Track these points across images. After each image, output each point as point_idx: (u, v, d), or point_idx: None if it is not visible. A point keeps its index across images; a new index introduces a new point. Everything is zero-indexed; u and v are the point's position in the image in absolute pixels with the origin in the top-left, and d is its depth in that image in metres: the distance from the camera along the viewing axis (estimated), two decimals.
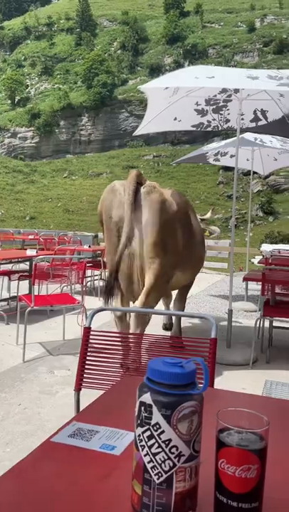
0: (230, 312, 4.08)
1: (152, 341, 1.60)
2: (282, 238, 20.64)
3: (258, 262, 7.18)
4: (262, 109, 4.40)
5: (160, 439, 0.63)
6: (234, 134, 4.78)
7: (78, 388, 1.56)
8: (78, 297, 4.34)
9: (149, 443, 0.64)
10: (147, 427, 0.64)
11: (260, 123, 4.49)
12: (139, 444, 0.66)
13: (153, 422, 0.64)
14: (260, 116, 4.43)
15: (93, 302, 5.82)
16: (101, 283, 7.37)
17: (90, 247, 7.64)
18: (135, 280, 2.97)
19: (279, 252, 7.77)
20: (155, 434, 0.64)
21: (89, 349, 1.61)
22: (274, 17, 62.80)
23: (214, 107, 4.38)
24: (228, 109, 4.41)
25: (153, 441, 0.64)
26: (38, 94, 63.71)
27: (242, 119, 4.35)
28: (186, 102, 4.26)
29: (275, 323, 4.40)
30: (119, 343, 1.61)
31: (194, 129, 4.49)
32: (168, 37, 63.90)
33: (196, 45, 61.57)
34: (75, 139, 57.20)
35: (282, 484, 0.77)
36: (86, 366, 1.58)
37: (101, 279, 7.40)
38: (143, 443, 0.65)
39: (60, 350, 3.98)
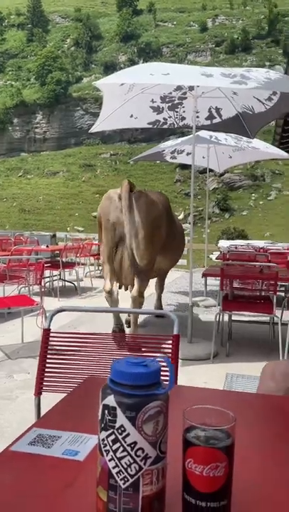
0: (190, 308, 4.12)
1: (113, 340, 1.57)
2: (238, 234, 21.19)
3: (216, 258, 7.31)
4: (216, 107, 4.47)
5: (125, 442, 0.61)
6: (190, 132, 4.82)
7: (38, 393, 1.50)
8: (37, 298, 4.24)
9: (114, 447, 0.61)
10: (111, 430, 0.62)
11: (214, 121, 4.56)
12: (103, 449, 0.63)
13: (117, 425, 0.61)
14: (215, 114, 4.50)
15: (53, 303, 5.70)
16: (60, 283, 7.24)
17: (47, 246, 7.49)
18: (125, 267, 3.75)
19: (236, 248, 7.96)
20: (120, 437, 0.61)
21: (49, 351, 1.56)
22: (225, 17, 64.25)
23: (170, 104, 4.40)
24: (183, 107, 4.44)
25: (118, 445, 0.61)
26: None
27: (197, 116, 4.40)
28: (142, 99, 4.25)
29: (233, 317, 4.49)
30: (81, 345, 1.58)
31: (150, 126, 4.49)
32: (121, 35, 63.82)
33: (150, 44, 61.90)
34: (29, 137, 55.93)
35: (248, 480, 0.76)
36: (46, 369, 1.53)
37: (60, 279, 7.27)
38: (107, 447, 0.62)
39: (19, 354, 3.86)
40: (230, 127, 4.69)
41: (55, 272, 7.09)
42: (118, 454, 0.61)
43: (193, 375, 3.47)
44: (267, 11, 60.51)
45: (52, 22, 71.52)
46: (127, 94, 4.03)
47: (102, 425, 0.63)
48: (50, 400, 1.35)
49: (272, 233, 28.98)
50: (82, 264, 7.84)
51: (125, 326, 4.17)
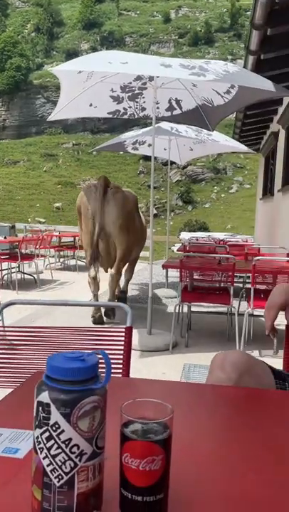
0: (150, 299, 4.13)
1: (66, 333, 1.54)
2: (199, 226, 21.48)
3: (177, 250, 7.37)
4: (176, 99, 4.47)
5: (59, 439, 0.59)
6: (151, 123, 4.80)
7: None
8: None
9: (48, 444, 0.59)
10: (46, 427, 0.60)
11: (175, 112, 4.56)
12: (37, 447, 0.61)
13: (52, 422, 0.59)
14: (175, 106, 4.50)
15: (10, 296, 5.57)
16: (19, 276, 7.08)
17: (5, 238, 7.28)
18: (111, 252, 4.44)
19: (197, 240, 8.06)
20: (54, 434, 0.59)
21: None
22: (188, 9, 64.31)
23: (130, 94, 4.35)
24: (143, 97, 4.41)
25: (52, 442, 0.59)
26: None
27: (157, 107, 4.38)
28: (102, 88, 4.19)
29: (193, 308, 4.55)
30: (32, 338, 1.54)
31: (110, 116, 4.44)
32: (84, 22, 62.57)
33: (113, 33, 61.08)
34: None
35: (189, 472, 0.77)
36: None
37: (19, 271, 7.11)
38: (42, 445, 0.60)
39: None
40: (190, 119, 4.70)
41: (14, 264, 6.92)
42: (52, 452, 0.59)
43: (152, 366, 3.49)
44: (229, 4, 61.08)
45: (11, 6, 69.04)
46: (86, 83, 3.95)
47: (37, 423, 0.61)
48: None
49: (233, 225, 29.59)
50: (42, 256, 7.69)
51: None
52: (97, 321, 4.41)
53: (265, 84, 3.38)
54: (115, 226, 4.29)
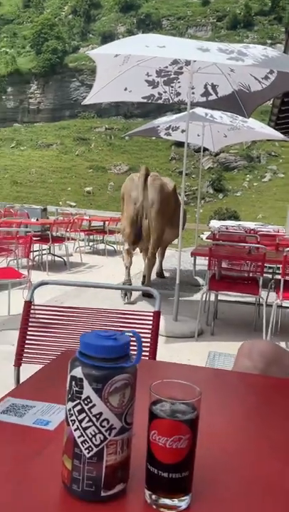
0: (177, 286, 4.14)
1: (96, 315, 1.58)
2: (230, 215, 21.20)
3: (206, 238, 7.32)
4: (212, 84, 4.38)
5: (91, 412, 0.61)
6: (186, 109, 4.74)
7: (18, 364, 1.51)
8: (26, 272, 4.22)
9: (80, 417, 0.62)
10: (78, 401, 0.62)
11: (210, 98, 4.48)
12: (69, 419, 0.64)
13: (84, 396, 0.62)
14: (211, 91, 4.42)
15: (41, 277, 5.69)
16: (50, 258, 7.22)
17: (37, 220, 7.42)
18: (149, 234, 4.82)
19: (227, 228, 7.96)
20: (86, 408, 0.62)
21: (30, 324, 1.56)
22: None
23: (165, 78, 4.30)
24: (179, 82, 4.35)
25: (83, 415, 0.62)
26: None
27: (192, 92, 4.32)
28: (137, 72, 4.15)
29: (220, 297, 4.53)
30: (62, 318, 1.58)
31: (145, 100, 4.40)
32: (121, 4, 61.82)
33: (150, 15, 60.12)
34: (23, 107, 54.64)
35: (215, 454, 0.78)
36: (27, 341, 1.54)
37: (50, 253, 7.24)
38: (73, 417, 0.63)
39: (5, 326, 3.87)
40: (225, 105, 4.61)
41: (45, 246, 7.05)
42: (84, 424, 0.62)
43: (177, 352, 3.52)
44: None
45: None
46: (122, 66, 3.93)
47: (69, 396, 0.64)
48: (31, 371, 1.36)
49: (264, 215, 29.03)
50: (72, 239, 7.80)
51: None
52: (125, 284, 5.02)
53: None
54: (153, 210, 4.76)
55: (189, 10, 60.50)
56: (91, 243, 9.60)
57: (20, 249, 4.55)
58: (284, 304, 3.93)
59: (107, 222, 9.23)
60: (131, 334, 0.67)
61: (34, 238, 6.73)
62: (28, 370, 1.49)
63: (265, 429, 0.88)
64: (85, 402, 0.62)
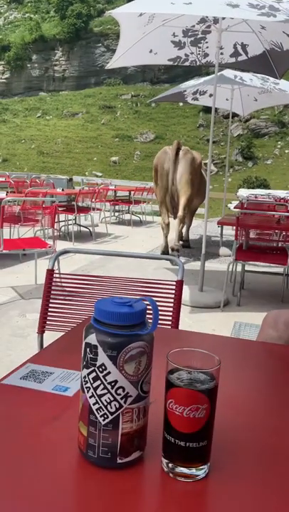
0: (203, 256, 4.09)
1: (118, 284, 1.56)
2: (259, 184, 20.63)
3: (234, 208, 7.16)
4: (242, 43, 4.16)
5: (106, 380, 0.60)
6: (214, 72, 4.54)
7: (42, 331, 1.53)
8: (52, 242, 4.26)
9: (95, 384, 0.61)
10: (93, 368, 0.61)
11: (240, 58, 4.26)
12: (84, 386, 0.62)
13: (98, 363, 0.60)
14: (240, 51, 4.20)
15: (67, 246, 5.74)
16: (75, 228, 7.26)
17: (63, 190, 7.43)
18: (176, 201, 5.47)
19: (255, 197, 7.76)
20: (101, 375, 0.60)
21: (53, 292, 1.57)
22: None
23: (192, 39, 4.11)
24: (206, 42, 4.15)
25: (98, 382, 0.60)
26: (7, 24, 58.94)
27: (221, 53, 4.11)
28: (163, 33, 3.98)
29: (247, 267, 4.46)
30: (85, 286, 1.57)
31: (171, 63, 4.23)
32: None
33: None
34: (48, 75, 53.98)
35: (234, 423, 0.76)
36: (50, 309, 1.55)
37: (75, 223, 7.28)
38: (88, 385, 0.62)
39: (32, 294, 3.95)
40: (256, 66, 4.38)
41: (70, 217, 7.08)
42: (99, 392, 0.61)
43: (202, 323, 3.51)
44: None
45: None
46: (147, 27, 3.76)
47: (84, 363, 0.63)
48: (56, 338, 1.37)
49: None
50: (98, 210, 7.80)
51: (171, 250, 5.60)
52: (163, 251, 5.75)
53: None
54: (183, 180, 5.35)
55: None
56: (117, 213, 9.58)
57: (46, 219, 4.57)
58: None
59: (132, 192, 9.15)
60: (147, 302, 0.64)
61: (60, 208, 6.77)
62: (53, 338, 1.50)
63: (284, 396, 0.85)
64: (100, 369, 0.60)
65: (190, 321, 3.48)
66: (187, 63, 4.25)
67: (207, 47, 4.18)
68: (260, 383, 0.93)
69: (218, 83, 4.75)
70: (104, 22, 53.18)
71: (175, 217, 5.65)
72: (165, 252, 5.74)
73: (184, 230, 6.42)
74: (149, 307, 0.64)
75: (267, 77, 5.07)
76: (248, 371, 0.98)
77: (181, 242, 6.03)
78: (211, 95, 6.44)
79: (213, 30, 3.90)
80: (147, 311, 0.64)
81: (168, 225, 5.70)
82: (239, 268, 4.39)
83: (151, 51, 4.09)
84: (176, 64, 4.18)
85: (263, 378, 0.95)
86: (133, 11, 3.42)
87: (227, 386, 0.86)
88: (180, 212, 5.51)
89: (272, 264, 4.26)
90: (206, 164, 6.18)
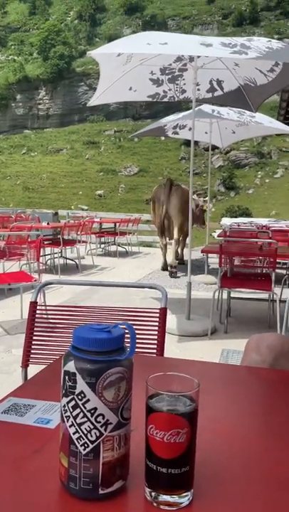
0: (189, 285, 4.11)
1: (102, 314, 1.56)
2: (242, 212, 21.02)
3: (217, 236, 7.26)
4: (218, 79, 4.35)
5: (85, 408, 0.60)
6: (192, 106, 4.71)
7: (25, 365, 1.51)
8: (37, 275, 4.24)
9: (74, 413, 0.60)
10: (72, 396, 0.61)
11: (216, 93, 4.44)
12: (64, 415, 0.62)
13: (77, 390, 0.60)
14: (216, 87, 4.38)
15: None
16: (61, 261, 7.25)
17: (48, 224, 7.45)
18: (172, 226, 6.54)
19: (238, 226, 7.89)
20: (80, 403, 0.60)
21: (36, 324, 1.55)
22: None
23: (170, 76, 4.28)
24: (183, 79, 4.32)
25: (78, 410, 0.60)
26: None
27: (198, 89, 4.29)
28: (141, 71, 4.14)
29: (233, 294, 4.48)
30: (68, 317, 1.57)
31: (150, 99, 4.39)
32: (126, 7, 62.06)
33: (155, 16, 60.19)
34: (32, 114, 55.19)
35: (218, 447, 0.76)
36: (34, 342, 1.53)
37: (61, 256, 7.27)
38: (68, 413, 0.61)
39: (18, 329, 3.89)
40: (232, 100, 4.57)
41: (56, 250, 7.08)
42: (78, 420, 0.60)
43: (190, 351, 3.48)
44: None
45: None
46: (125, 66, 3.91)
47: (63, 391, 0.62)
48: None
49: (278, 212, 28.70)
50: (84, 242, 7.82)
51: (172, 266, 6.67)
52: (163, 268, 7.00)
53: None
54: (175, 210, 6.39)
55: (194, 9, 60.42)
56: (103, 245, 9.62)
57: (31, 252, 4.57)
58: None
59: (118, 224, 9.23)
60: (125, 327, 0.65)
61: (46, 242, 6.77)
62: (38, 371, 1.48)
63: (272, 423, 0.85)
64: (79, 397, 0.60)
65: (177, 350, 3.46)
66: (166, 99, 4.41)
67: (184, 83, 4.36)
68: (245, 407, 0.93)
69: (196, 117, 4.92)
70: (86, 62, 55.07)
71: (170, 239, 6.79)
72: (165, 268, 6.98)
73: (179, 250, 7.35)
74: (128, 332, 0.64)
75: (243, 110, 5.27)
76: (231, 395, 0.98)
77: (176, 261, 6.85)
78: (190, 129, 6.65)
79: (189, 67, 4.07)
80: (125, 336, 0.64)
81: (166, 245, 6.90)
82: (225, 295, 4.41)
83: (130, 88, 4.24)
84: (155, 100, 4.34)
85: (247, 402, 0.95)
86: (111, 51, 3.57)
87: (210, 410, 0.86)
88: (175, 236, 6.63)
89: (257, 291, 4.29)
90: (196, 194, 7.58)
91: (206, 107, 5.85)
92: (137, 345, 1.44)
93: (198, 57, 3.84)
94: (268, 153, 40.11)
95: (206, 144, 8.39)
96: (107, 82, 4.10)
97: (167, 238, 6.84)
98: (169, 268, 6.80)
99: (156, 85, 4.27)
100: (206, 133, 6.74)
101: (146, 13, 61.01)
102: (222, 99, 4.49)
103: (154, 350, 1.43)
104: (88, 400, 0.59)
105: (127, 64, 3.87)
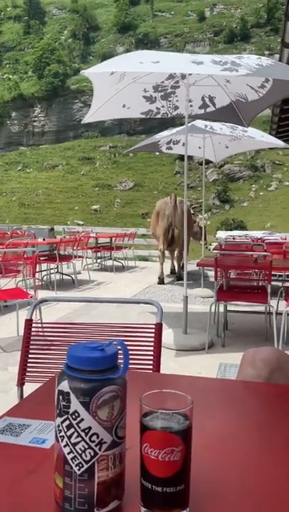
0: (185, 298, 4.11)
1: (98, 330, 1.56)
2: (237, 225, 21.13)
3: (213, 249, 7.29)
4: (210, 96, 4.42)
5: (79, 427, 0.60)
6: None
7: (21, 383, 1.50)
8: (33, 292, 4.23)
9: (68, 433, 0.60)
10: (66, 416, 0.61)
11: (208, 109, 4.51)
12: (58, 435, 0.62)
13: (71, 410, 0.60)
14: (209, 103, 4.45)
15: (48, 295, 5.69)
16: (58, 276, 7.24)
17: (44, 240, 7.46)
18: (177, 238, 6.95)
19: (234, 238, 7.93)
20: (74, 422, 0.60)
21: (32, 342, 1.55)
22: (223, 6, 63.57)
23: (162, 93, 4.35)
24: (176, 96, 4.39)
25: (72, 430, 0.60)
26: None
27: (190, 105, 4.35)
28: (134, 89, 4.20)
29: (230, 307, 4.48)
30: (64, 334, 1.57)
31: (144, 116, 4.45)
32: (119, 25, 63.27)
33: (148, 34, 61.36)
34: (28, 131, 55.69)
35: (214, 465, 0.75)
36: (29, 360, 1.52)
37: (58, 272, 7.26)
38: (62, 433, 0.61)
39: (15, 347, 3.86)
40: (224, 116, 4.64)
41: (52, 265, 7.07)
42: (73, 440, 0.60)
43: (188, 366, 3.47)
44: None
45: (48, 14, 70.90)
46: (119, 84, 3.98)
47: (58, 411, 0.62)
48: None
49: (273, 224, 28.87)
50: (80, 257, 7.82)
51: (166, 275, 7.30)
52: (160, 282, 7.21)
53: None
54: (180, 223, 6.63)
55: (186, 27, 61.66)
56: (99, 260, 9.62)
57: (27, 269, 4.56)
58: None
59: (113, 239, 9.25)
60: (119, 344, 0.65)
61: (42, 258, 6.77)
62: (33, 389, 1.47)
63: (268, 438, 0.85)
64: (73, 416, 0.60)
65: (175, 365, 3.44)
66: (159, 116, 4.47)
67: (177, 100, 4.43)
68: (240, 422, 0.93)
69: (189, 133, 4.99)
70: (81, 80, 55.82)
71: (171, 248, 7.36)
72: (161, 278, 7.22)
73: (176, 264, 7.89)
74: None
75: (235, 125, 5.35)
76: (226, 411, 0.98)
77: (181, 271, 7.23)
78: (184, 144, 6.72)
79: (182, 85, 4.15)
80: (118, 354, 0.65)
81: (163, 253, 7.26)
82: (222, 309, 4.41)
83: (124, 106, 4.30)
84: (148, 117, 4.40)
85: (243, 417, 0.95)
86: (104, 70, 3.64)
87: (206, 427, 0.86)
88: (177, 251, 7.35)
89: (253, 303, 4.30)
90: (193, 209, 8.22)
91: (199, 123, 5.93)
92: (133, 361, 1.44)
93: (190, 74, 3.91)
94: (261, 167, 40.54)
95: (200, 159, 8.48)
96: (101, 100, 4.16)
97: (167, 251, 7.29)
98: (170, 273, 7.55)
99: (149, 102, 4.34)
100: (199, 148, 6.82)
101: (139, 32, 62.20)
102: (214, 115, 4.56)
103: (151, 366, 1.43)
104: (82, 420, 0.60)
105: (120, 82, 3.93)
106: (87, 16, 65.20)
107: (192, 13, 63.56)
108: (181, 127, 6.51)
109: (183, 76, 4.02)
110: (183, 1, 67.01)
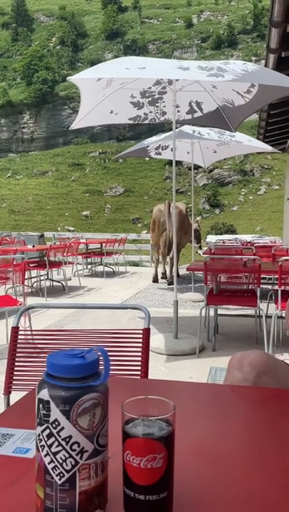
0: (175, 303, 4.11)
1: (86, 336, 1.55)
2: (227, 229, 21.25)
3: (203, 253, 7.31)
4: (197, 101, 4.45)
5: (60, 436, 0.59)
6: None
7: (8, 392, 1.48)
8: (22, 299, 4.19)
9: (49, 442, 0.59)
10: (46, 425, 0.60)
11: (195, 115, 4.54)
12: (39, 445, 0.61)
13: (51, 419, 0.59)
14: (196, 108, 4.48)
15: (38, 302, 5.65)
16: (48, 283, 7.19)
17: (33, 246, 7.42)
18: (170, 242, 6.80)
19: (224, 242, 7.97)
20: (54, 431, 0.59)
21: (18, 349, 1.53)
22: (210, 13, 64.29)
23: (150, 99, 4.37)
24: (163, 101, 4.41)
25: (53, 439, 0.59)
26: None
27: (178, 111, 4.37)
28: (122, 95, 4.22)
29: (220, 311, 4.49)
30: (50, 341, 1.55)
31: (131, 121, 4.45)
32: (107, 32, 63.61)
33: (136, 41, 61.76)
34: (17, 137, 55.56)
35: (199, 471, 0.75)
36: (16, 368, 1.51)
37: (48, 278, 7.22)
38: (43, 442, 0.60)
39: (3, 355, 3.82)
40: (211, 121, 4.67)
41: (42, 272, 7.03)
42: (53, 449, 0.59)
43: (179, 370, 3.46)
44: (252, 5, 60.60)
45: (36, 21, 71.03)
46: (106, 90, 3.99)
47: (38, 420, 0.61)
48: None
49: (262, 228, 29.09)
50: (70, 263, 7.79)
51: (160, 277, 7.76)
52: (155, 280, 7.73)
53: (286, 82, 3.31)
54: (174, 228, 6.87)
55: (174, 33, 62.20)
56: (89, 266, 9.59)
57: (16, 276, 4.52)
58: (284, 315, 3.88)
59: (104, 244, 9.23)
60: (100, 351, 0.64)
61: (31, 264, 6.73)
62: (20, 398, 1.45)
63: (255, 444, 0.85)
64: (53, 425, 0.59)
65: (166, 370, 3.43)
66: (147, 121, 4.49)
67: (164, 106, 4.45)
68: (227, 427, 0.92)
69: (177, 138, 5.02)
70: (69, 86, 55.92)
71: (167, 254, 7.50)
72: (156, 279, 7.74)
73: (167, 269, 8.13)
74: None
75: (223, 130, 5.39)
76: (213, 415, 0.97)
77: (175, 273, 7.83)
78: (172, 149, 6.76)
79: (169, 90, 4.17)
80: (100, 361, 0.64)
81: (158, 260, 7.78)
82: (212, 313, 4.41)
83: (112, 112, 4.31)
84: (136, 122, 4.41)
85: (230, 422, 0.94)
86: (91, 76, 3.64)
87: (191, 432, 0.85)
88: (170, 254, 7.39)
89: (243, 307, 4.31)
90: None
91: (187, 128, 5.96)
92: (121, 367, 1.43)
93: (177, 80, 3.93)
94: (250, 171, 40.90)
95: (189, 164, 8.53)
96: (89, 106, 4.16)
97: (161, 256, 7.56)
98: (162, 277, 7.73)
99: (136, 108, 4.35)
100: (188, 153, 6.86)
101: (127, 38, 62.60)
102: (202, 120, 4.58)
103: (139, 372, 1.42)
104: (63, 428, 0.59)
105: (107, 88, 3.94)
106: (75, 22, 65.46)
107: (180, 19, 64.16)
108: (170, 133, 6.54)
109: (170, 82, 4.04)
110: (170, 8, 67.63)
